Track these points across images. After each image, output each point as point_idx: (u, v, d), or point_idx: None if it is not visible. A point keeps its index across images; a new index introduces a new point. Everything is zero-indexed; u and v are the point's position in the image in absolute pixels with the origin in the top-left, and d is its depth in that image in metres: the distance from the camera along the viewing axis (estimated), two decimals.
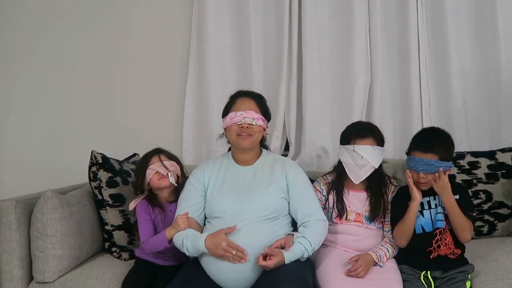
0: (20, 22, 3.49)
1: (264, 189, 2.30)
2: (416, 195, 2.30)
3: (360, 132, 2.45)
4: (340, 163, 2.50)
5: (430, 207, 2.34)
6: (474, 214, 2.36)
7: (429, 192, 2.35)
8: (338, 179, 2.53)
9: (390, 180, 2.56)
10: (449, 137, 2.38)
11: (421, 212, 2.34)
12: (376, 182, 2.48)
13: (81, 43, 3.46)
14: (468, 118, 3.24)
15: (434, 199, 2.35)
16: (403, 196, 2.39)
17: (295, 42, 3.24)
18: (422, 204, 2.34)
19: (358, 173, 2.42)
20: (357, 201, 2.48)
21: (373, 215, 2.44)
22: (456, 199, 2.29)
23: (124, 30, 3.45)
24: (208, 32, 3.28)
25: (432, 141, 2.35)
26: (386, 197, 2.48)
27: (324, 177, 2.59)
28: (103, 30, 3.45)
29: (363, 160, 2.39)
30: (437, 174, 2.26)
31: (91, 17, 3.45)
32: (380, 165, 2.47)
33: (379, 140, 2.46)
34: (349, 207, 2.48)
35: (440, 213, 2.32)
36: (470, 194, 2.73)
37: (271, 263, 2.07)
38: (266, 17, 3.31)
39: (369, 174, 2.42)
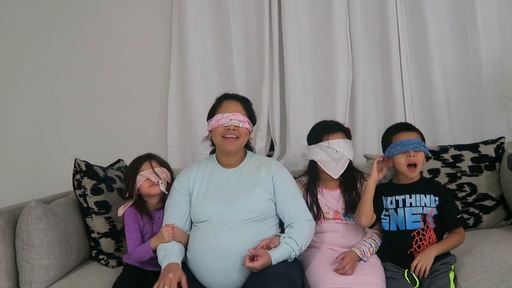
0: (4, 28, 3.47)
1: (250, 191, 2.30)
2: (374, 172, 2.34)
3: (330, 127, 2.52)
4: (311, 164, 2.55)
5: (404, 206, 2.34)
6: (461, 215, 2.37)
7: (405, 191, 2.36)
8: (311, 180, 2.56)
9: (362, 175, 2.60)
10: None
11: (396, 210, 2.35)
12: (348, 178, 2.54)
13: (63, 49, 3.44)
14: (451, 112, 3.27)
15: (410, 197, 2.34)
16: (377, 192, 2.38)
17: (276, 42, 3.25)
18: (397, 202, 2.35)
19: (336, 167, 2.47)
20: (332, 199, 2.52)
21: (348, 210, 2.48)
22: (436, 203, 2.32)
23: (105, 35, 3.44)
24: (188, 35, 3.29)
25: (409, 124, 2.51)
26: (359, 192, 2.52)
27: (299, 179, 2.61)
28: (85, 36, 3.44)
29: (338, 154, 2.45)
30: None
31: (73, 22, 3.44)
32: (350, 161, 2.52)
33: (347, 134, 2.56)
34: (326, 205, 2.51)
35: (415, 214, 2.31)
36: (455, 187, 2.78)
37: (257, 264, 2.07)
38: (246, 18, 3.32)
39: (346, 166, 2.48)
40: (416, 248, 2.27)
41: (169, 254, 2.17)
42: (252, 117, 2.43)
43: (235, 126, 2.31)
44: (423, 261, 2.21)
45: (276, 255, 2.13)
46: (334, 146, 2.46)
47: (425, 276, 2.20)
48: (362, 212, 2.33)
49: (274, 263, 2.11)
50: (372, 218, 2.34)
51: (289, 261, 2.19)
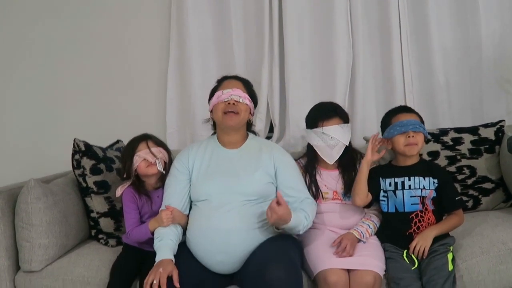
0: (6, 10, 3.44)
1: (251, 173, 2.29)
2: (369, 153, 2.35)
3: (326, 113, 2.49)
4: (309, 146, 2.55)
5: (403, 188, 2.34)
6: (459, 197, 2.37)
7: (404, 173, 2.36)
8: (309, 162, 2.56)
9: (362, 156, 2.58)
10: None
11: (394, 192, 2.35)
12: (347, 159, 2.53)
13: (61, 31, 3.42)
14: (451, 94, 3.27)
15: (409, 179, 2.35)
16: (375, 174, 2.39)
17: (276, 24, 3.23)
18: (396, 184, 2.36)
19: (331, 153, 2.47)
20: (331, 180, 2.52)
21: (347, 190, 2.48)
22: (435, 185, 2.32)
23: (104, 16, 3.41)
24: (188, 17, 3.26)
25: (408, 107, 2.53)
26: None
27: (299, 161, 2.61)
28: (82, 17, 3.41)
29: (333, 140, 2.45)
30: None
31: (73, 6, 3.42)
32: (350, 142, 2.52)
33: (345, 118, 2.52)
34: (325, 186, 2.51)
35: (414, 196, 2.32)
36: (454, 169, 2.78)
37: (281, 209, 2.06)
38: (245, 0, 3.29)
39: (341, 152, 2.48)
40: (415, 230, 2.28)
41: (163, 247, 2.15)
42: (253, 97, 2.42)
43: (235, 101, 2.30)
44: (422, 242, 2.22)
45: (295, 217, 2.15)
46: (329, 132, 2.45)
47: (424, 257, 2.21)
48: (356, 191, 2.35)
49: (292, 222, 2.12)
50: (367, 198, 2.35)
51: (296, 232, 2.20)
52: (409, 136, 2.32)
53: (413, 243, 2.23)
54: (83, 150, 2.58)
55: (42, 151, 3.40)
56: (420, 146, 2.36)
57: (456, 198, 2.35)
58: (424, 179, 2.34)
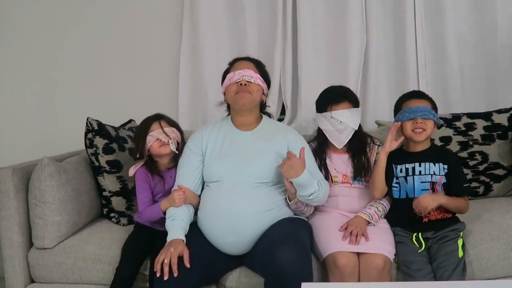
0: None
1: (264, 156, 2.29)
2: (387, 145, 2.33)
3: (335, 98, 2.47)
4: (319, 130, 2.54)
5: (414, 174, 2.34)
6: (467, 184, 2.36)
7: (415, 159, 2.35)
8: (319, 146, 2.56)
9: (372, 139, 2.59)
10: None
11: (405, 178, 2.35)
12: (357, 143, 2.52)
13: (74, 10, 3.42)
14: (464, 80, 3.24)
15: (420, 165, 2.34)
16: (388, 161, 2.37)
17: (290, 5, 3.21)
18: (407, 170, 2.35)
19: (339, 137, 2.45)
20: (341, 163, 2.52)
21: (357, 174, 2.48)
22: (445, 171, 2.32)
23: None
24: None
25: (421, 92, 2.51)
26: (369, 156, 2.52)
27: (309, 144, 2.59)
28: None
29: (342, 124, 2.43)
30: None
31: None
32: (360, 126, 2.52)
33: (354, 102, 2.50)
34: (335, 169, 2.51)
35: (424, 182, 2.31)
36: (466, 155, 2.77)
37: (296, 159, 2.14)
38: None
39: (350, 137, 2.46)
40: (426, 214, 2.27)
41: (175, 227, 2.17)
42: (265, 78, 2.42)
43: (246, 81, 2.30)
44: (427, 201, 2.22)
45: (308, 175, 2.17)
46: (338, 117, 2.43)
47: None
48: (375, 185, 2.34)
49: (303, 177, 2.15)
50: (384, 190, 2.35)
51: (308, 197, 2.21)
52: (416, 122, 2.31)
53: (419, 199, 2.23)
54: (96, 129, 2.60)
55: (55, 129, 3.42)
56: (430, 132, 2.34)
57: (464, 185, 2.34)
58: (435, 165, 2.33)
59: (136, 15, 3.41)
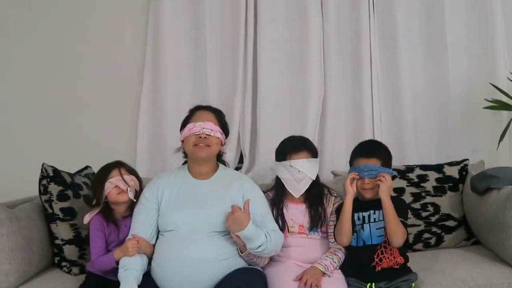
0: None
1: (219, 204, 2.30)
2: (349, 189, 2.36)
3: (295, 147, 2.53)
4: (278, 179, 2.57)
5: (370, 221, 2.38)
6: (406, 221, 2.38)
7: (370, 206, 2.39)
8: (277, 195, 2.59)
9: (329, 191, 2.62)
10: (387, 148, 2.51)
11: (362, 226, 2.38)
12: (314, 193, 2.56)
13: (32, 51, 3.36)
14: (418, 132, 3.33)
15: (374, 213, 2.38)
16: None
17: (250, 54, 3.27)
18: (363, 218, 2.39)
19: (297, 187, 2.49)
20: (298, 213, 2.54)
21: (313, 225, 2.50)
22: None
23: (77, 38, 3.36)
24: (163, 42, 3.27)
25: (373, 147, 2.51)
26: (326, 207, 2.55)
27: (267, 194, 2.62)
28: (56, 38, 3.36)
29: (300, 173, 2.47)
30: (383, 174, 2.33)
31: (44, 24, 3.36)
32: (317, 176, 2.56)
33: (313, 152, 2.56)
34: (291, 219, 2.53)
35: (380, 228, 2.35)
36: (419, 206, 2.83)
37: (240, 212, 2.17)
38: (222, 28, 3.32)
39: (307, 186, 2.50)
40: (378, 262, 2.30)
41: (128, 277, 2.14)
42: (225, 129, 2.45)
43: (206, 134, 2.32)
44: (385, 189, 2.29)
45: (254, 228, 2.19)
46: (297, 166, 2.48)
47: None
48: (343, 231, 2.35)
49: (248, 230, 2.16)
50: (351, 236, 2.37)
51: (256, 250, 2.20)
52: (364, 182, 2.36)
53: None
54: (51, 176, 2.56)
55: (8, 175, 3.31)
56: (377, 190, 2.35)
57: (400, 219, 2.32)
58: None
59: (96, 57, 3.37)
